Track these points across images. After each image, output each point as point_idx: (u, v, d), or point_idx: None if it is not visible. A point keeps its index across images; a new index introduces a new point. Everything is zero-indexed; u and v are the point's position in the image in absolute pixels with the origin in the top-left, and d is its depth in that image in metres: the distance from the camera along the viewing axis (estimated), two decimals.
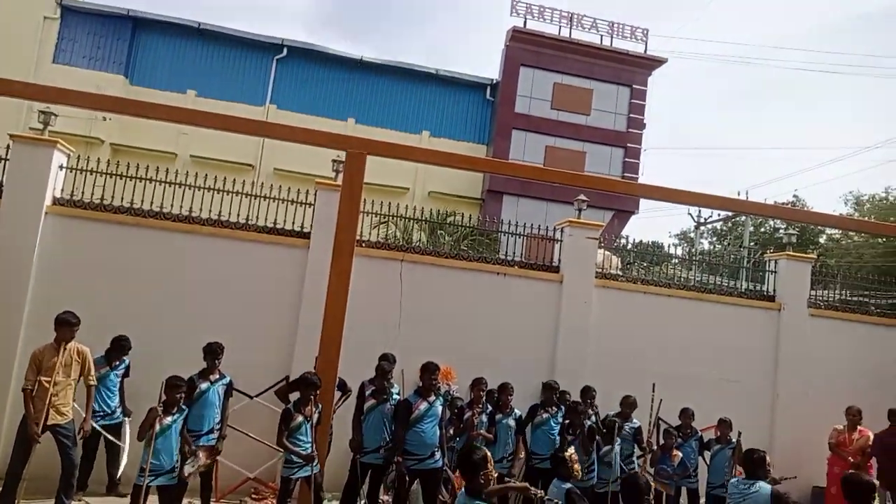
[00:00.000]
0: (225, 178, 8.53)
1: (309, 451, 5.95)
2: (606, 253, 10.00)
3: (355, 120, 20.50)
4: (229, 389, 6.88)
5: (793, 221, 15.98)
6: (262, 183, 8.81)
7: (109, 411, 6.97)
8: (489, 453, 4.22)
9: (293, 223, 8.39)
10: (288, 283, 8.07)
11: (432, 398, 6.59)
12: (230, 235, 8.08)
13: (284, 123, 9.52)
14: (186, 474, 5.92)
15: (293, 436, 5.97)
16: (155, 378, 5.91)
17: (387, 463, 6.63)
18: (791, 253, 10.00)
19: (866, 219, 24.43)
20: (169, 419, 5.71)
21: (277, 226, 8.33)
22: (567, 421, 7.49)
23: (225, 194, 8.38)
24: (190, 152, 18.87)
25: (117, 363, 7.07)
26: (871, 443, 8.16)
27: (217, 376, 6.74)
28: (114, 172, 8.19)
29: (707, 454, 8.00)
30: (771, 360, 9.41)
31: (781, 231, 20.92)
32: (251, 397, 7.56)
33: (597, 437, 7.32)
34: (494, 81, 22.07)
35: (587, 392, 7.96)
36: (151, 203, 8.11)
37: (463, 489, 4.18)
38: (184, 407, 5.98)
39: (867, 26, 77.87)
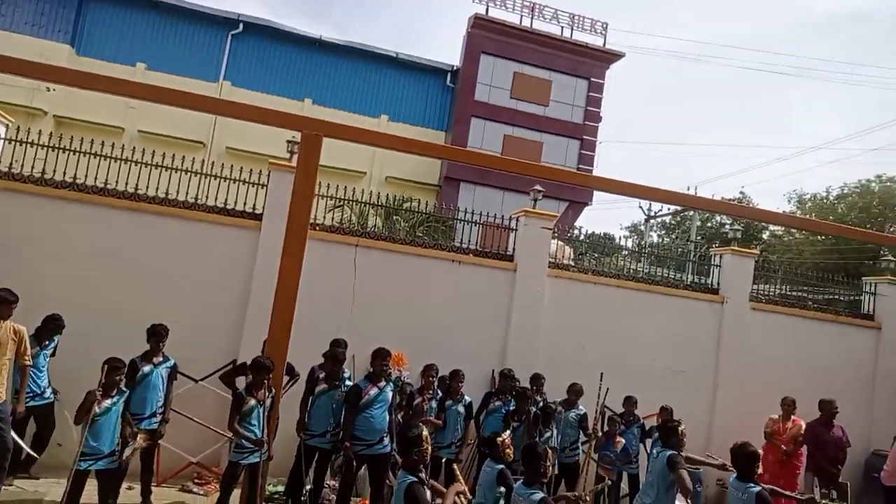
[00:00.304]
0: (174, 156, 8.26)
1: (260, 436, 5.87)
2: (560, 243, 10.12)
3: (312, 100, 20.18)
4: (173, 372, 6.72)
5: (739, 218, 16.50)
6: (213, 161, 8.55)
7: (39, 391, 6.71)
8: (426, 432, 4.37)
9: (245, 204, 8.20)
10: (237, 264, 7.90)
11: (382, 384, 6.59)
12: (177, 214, 7.83)
13: (238, 101, 9.26)
14: (125, 457, 5.77)
15: (245, 420, 5.87)
16: (97, 360, 5.71)
17: (333, 448, 6.61)
18: (735, 248, 10.33)
19: (808, 217, 25.43)
20: (108, 402, 5.54)
21: (228, 206, 8.12)
22: (513, 406, 7.60)
23: (174, 172, 8.11)
24: (138, 127, 18.27)
25: (47, 343, 6.81)
26: (803, 432, 8.53)
27: (161, 359, 6.57)
28: (57, 146, 7.82)
29: (649, 441, 8.23)
30: (713, 351, 9.72)
31: (727, 227, 21.60)
32: (196, 381, 7.40)
33: (540, 423, 7.48)
34: (455, 68, 22.02)
35: (536, 379, 8.09)
36: (96, 179, 7.79)
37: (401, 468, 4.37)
38: (124, 389, 5.81)
39: (813, 32, 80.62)
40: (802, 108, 77.94)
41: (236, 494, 6.00)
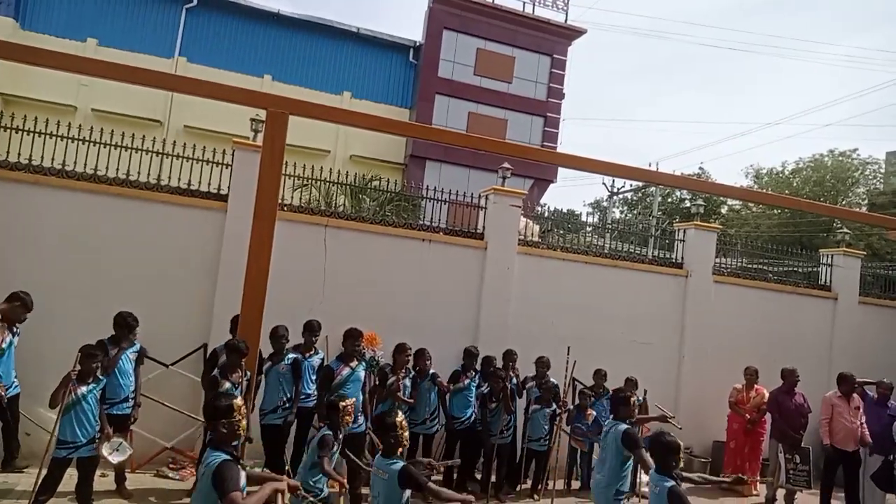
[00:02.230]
0: (130, 134, 7.94)
1: None
2: (527, 220, 10.19)
3: (272, 77, 19.67)
4: (140, 357, 6.58)
5: (699, 192, 16.82)
6: (172, 141, 8.27)
7: (8, 384, 6.50)
8: (404, 419, 4.36)
9: (208, 184, 7.98)
10: (204, 246, 7.71)
11: (354, 363, 6.62)
12: (140, 196, 7.58)
13: (197, 78, 8.93)
14: (106, 454, 5.65)
15: None
16: (60, 346, 5.56)
17: (286, 423, 6.64)
18: (699, 223, 10.55)
19: (765, 191, 26.11)
20: (84, 389, 5.40)
21: (192, 187, 7.90)
22: (487, 387, 7.70)
23: (133, 152, 7.84)
24: (91, 106, 17.56)
25: (16, 329, 6.57)
26: (766, 400, 8.84)
27: (127, 344, 6.42)
28: (8, 126, 7.46)
29: None
30: (678, 324, 9.96)
31: (688, 202, 22.04)
32: (167, 365, 7.27)
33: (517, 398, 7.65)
34: (418, 44, 21.72)
35: (509, 355, 8.19)
36: (52, 160, 7.48)
37: (379, 452, 4.34)
38: (101, 377, 5.67)
39: (771, 7, 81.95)
40: (758, 84, 79.62)
41: None
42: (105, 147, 7.70)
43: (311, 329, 6.97)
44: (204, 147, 8.13)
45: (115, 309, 6.41)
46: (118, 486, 6.43)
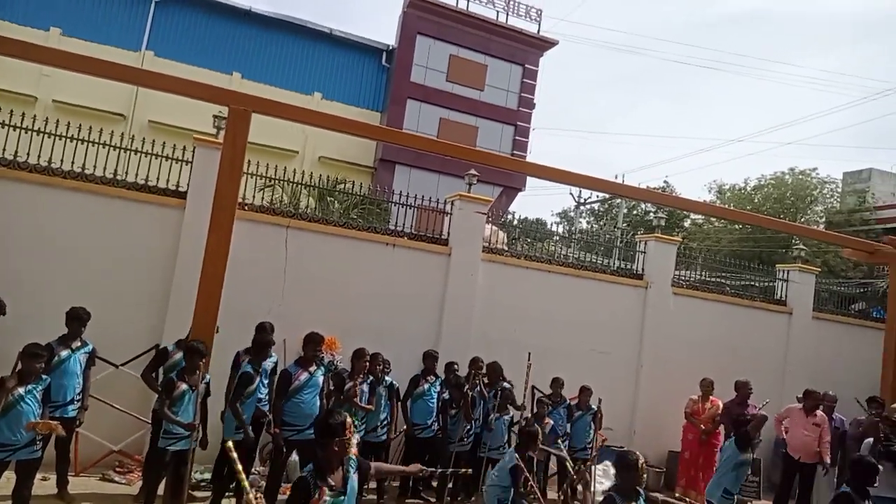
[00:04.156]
0: (90, 128, 7.75)
1: (191, 421, 5.67)
2: (494, 228, 10.21)
3: (242, 75, 19.41)
4: (91, 358, 6.39)
5: (663, 206, 17.06)
6: (134, 135, 8.10)
7: None
8: (350, 420, 3.67)
9: (167, 181, 7.81)
10: (160, 244, 7.53)
11: (313, 368, 6.49)
12: (95, 191, 7.38)
13: (161, 72, 8.74)
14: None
15: (175, 406, 5.67)
16: (7, 343, 5.35)
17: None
18: (659, 235, 10.71)
19: (727, 206, 26.65)
20: (21, 390, 5.17)
21: (149, 183, 7.72)
22: (449, 396, 7.67)
23: (91, 145, 7.63)
24: (53, 97, 17.08)
25: None
26: (720, 411, 8.99)
27: (79, 343, 6.22)
28: None
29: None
30: (637, 334, 10.08)
31: (652, 214, 22.35)
32: (117, 366, 7.06)
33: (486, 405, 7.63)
34: (391, 48, 21.70)
35: (474, 363, 8.15)
36: (4, 150, 7.23)
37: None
38: (44, 377, 5.46)
39: (737, 27, 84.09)
40: (723, 101, 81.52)
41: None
42: (60, 139, 7.48)
43: (264, 331, 6.81)
44: (164, 143, 7.95)
45: (65, 306, 6.21)
46: (60, 491, 6.22)
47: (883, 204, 27.74)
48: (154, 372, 6.43)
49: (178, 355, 6.30)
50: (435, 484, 7.85)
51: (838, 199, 29.90)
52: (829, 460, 8.24)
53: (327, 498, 3.25)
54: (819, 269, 12.93)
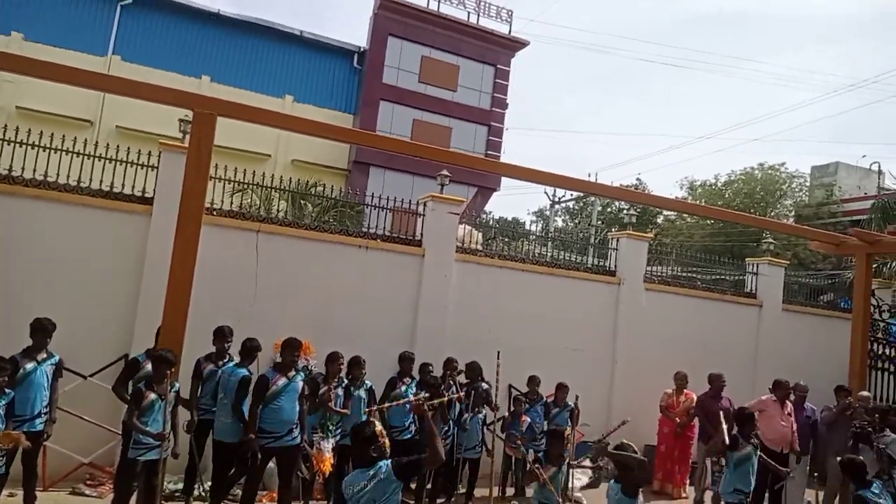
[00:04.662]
0: (52, 135, 7.57)
1: (161, 431, 5.58)
2: (469, 228, 10.22)
3: (211, 78, 19.22)
4: (58, 370, 6.22)
5: (635, 203, 17.24)
6: (102, 142, 7.95)
7: None
8: (380, 428, 4.00)
9: (133, 187, 7.67)
10: (127, 252, 7.40)
11: (292, 374, 6.38)
12: (57, 199, 7.22)
13: (128, 77, 8.59)
14: None
15: (144, 416, 5.57)
16: None
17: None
18: (631, 232, 10.81)
19: (698, 202, 27.05)
20: None
21: (115, 189, 7.58)
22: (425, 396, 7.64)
23: (53, 152, 7.47)
24: (16, 103, 16.74)
25: None
26: (694, 404, 9.09)
27: (45, 355, 6.05)
28: None
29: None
30: (611, 330, 10.16)
31: (625, 212, 22.56)
32: (85, 377, 6.92)
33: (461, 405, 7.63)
34: (362, 49, 21.64)
35: (449, 363, 8.16)
36: None
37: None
38: (8, 391, 5.32)
39: (706, 26, 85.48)
40: (692, 99, 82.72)
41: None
42: (21, 147, 7.31)
43: (223, 335, 6.74)
44: (128, 148, 7.81)
45: (30, 317, 6.06)
46: None
47: (849, 197, 28.37)
48: (125, 385, 6.29)
49: (149, 365, 6.19)
50: (413, 486, 7.82)
51: (807, 193, 30.52)
52: (798, 448, 8.38)
53: None
54: (788, 262, 13.18)
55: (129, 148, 7.85)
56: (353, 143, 17.66)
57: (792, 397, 8.83)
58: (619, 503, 4.61)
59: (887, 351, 11.73)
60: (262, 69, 20.34)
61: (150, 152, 7.87)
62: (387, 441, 3.98)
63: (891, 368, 11.62)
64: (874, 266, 11.49)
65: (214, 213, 7.78)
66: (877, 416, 7.70)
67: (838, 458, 5.87)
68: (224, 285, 7.57)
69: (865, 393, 8.93)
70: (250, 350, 6.67)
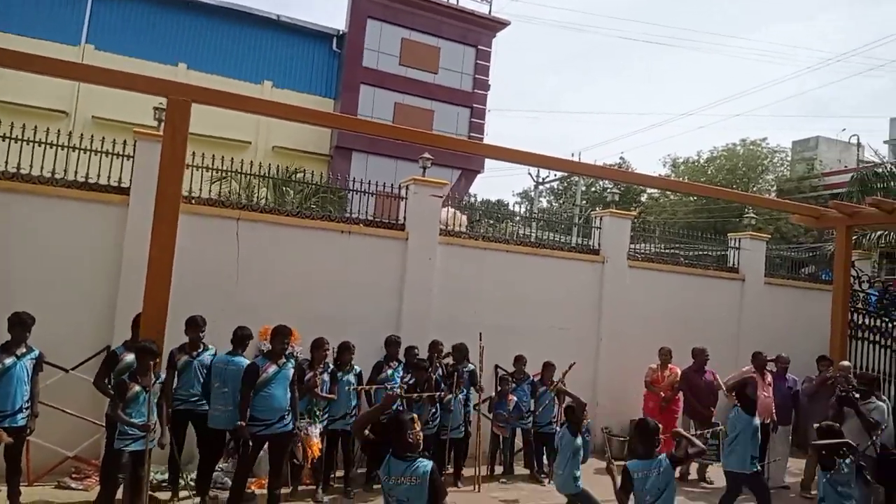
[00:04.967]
0: (24, 126, 7.42)
1: (146, 422, 5.55)
2: (454, 211, 10.20)
3: (187, 66, 18.89)
4: (39, 364, 6.18)
5: (619, 182, 17.30)
6: (76, 133, 7.78)
7: None
8: (416, 415, 4.17)
9: (109, 178, 7.54)
10: (105, 243, 7.29)
11: (282, 361, 6.38)
12: (32, 191, 7.07)
13: (101, 66, 8.37)
14: None
15: (129, 408, 5.56)
16: None
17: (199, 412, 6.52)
18: (614, 210, 10.85)
19: (681, 179, 27.18)
20: None
21: (90, 180, 7.45)
22: (412, 379, 7.67)
23: (26, 144, 7.33)
24: None
25: None
26: (678, 379, 9.19)
27: (24, 350, 5.99)
28: None
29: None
30: (595, 308, 10.21)
31: (608, 190, 22.62)
32: (67, 370, 6.86)
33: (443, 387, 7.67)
34: (341, 32, 21.36)
35: (434, 346, 8.20)
36: None
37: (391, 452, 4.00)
38: None
39: (685, 1, 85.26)
40: (675, 76, 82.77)
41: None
42: None
43: (196, 325, 6.67)
44: (103, 138, 7.67)
45: (7, 312, 5.99)
46: (12, 503, 6.02)
47: (830, 170, 28.63)
48: (106, 378, 6.24)
49: (129, 357, 6.14)
50: None
51: (788, 168, 30.77)
52: (776, 418, 8.57)
53: None
54: (770, 236, 13.31)
55: (103, 138, 7.71)
56: (335, 127, 17.52)
57: (774, 368, 9.01)
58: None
59: (867, 321, 11.90)
60: (239, 55, 20.02)
61: (125, 141, 7.74)
62: (420, 429, 4.08)
63: (870, 338, 11.80)
64: (854, 238, 11.59)
65: (193, 201, 7.69)
66: (863, 384, 7.85)
67: (815, 425, 5.95)
68: (205, 274, 7.50)
69: (846, 363, 9.06)
70: (242, 338, 6.68)
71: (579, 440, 6.20)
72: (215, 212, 7.87)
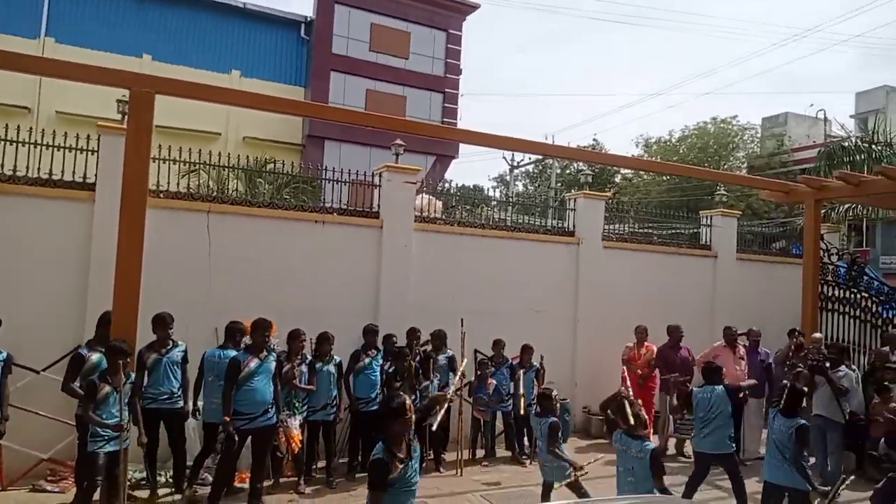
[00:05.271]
0: None
1: (119, 422, 5.47)
2: (429, 197, 10.16)
3: (152, 56, 18.47)
4: (8, 366, 6.07)
5: (593, 163, 17.40)
6: (39, 129, 7.54)
7: None
8: (409, 401, 4.00)
9: (73, 173, 7.35)
10: (71, 240, 7.13)
11: (264, 354, 6.35)
12: None
13: (63, 60, 8.10)
14: None
15: (100, 409, 5.45)
16: None
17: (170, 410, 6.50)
18: (588, 192, 10.90)
19: (654, 159, 27.38)
20: None
21: (55, 177, 7.27)
22: (392, 367, 7.67)
23: None
24: None
25: None
26: (655, 356, 9.32)
27: None
28: None
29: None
30: (572, 290, 10.28)
31: (582, 172, 22.73)
32: (38, 372, 6.72)
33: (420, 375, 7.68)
34: (309, 19, 21.07)
35: (412, 333, 8.18)
36: None
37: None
38: None
39: None
40: (646, 56, 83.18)
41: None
42: None
43: (164, 323, 6.57)
44: (65, 133, 7.47)
45: None
46: None
47: (799, 146, 29.07)
48: (74, 380, 6.11)
49: (95, 357, 6.04)
50: None
51: (758, 145, 31.17)
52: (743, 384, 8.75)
53: (400, 466, 3.76)
54: (741, 213, 13.49)
55: (65, 133, 7.50)
56: (305, 116, 17.31)
57: (746, 342, 9.18)
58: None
59: (837, 292, 12.15)
60: (205, 45, 19.65)
61: (88, 136, 7.55)
62: (413, 417, 3.96)
63: (840, 309, 12.07)
64: (823, 211, 11.79)
65: (161, 195, 7.55)
66: (833, 353, 8.06)
67: (783, 382, 6.14)
68: (176, 269, 7.40)
69: (818, 335, 9.27)
70: (233, 332, 6.69)
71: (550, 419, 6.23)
72: (185, 205, 7.74)
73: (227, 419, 6.09)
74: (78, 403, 5.77)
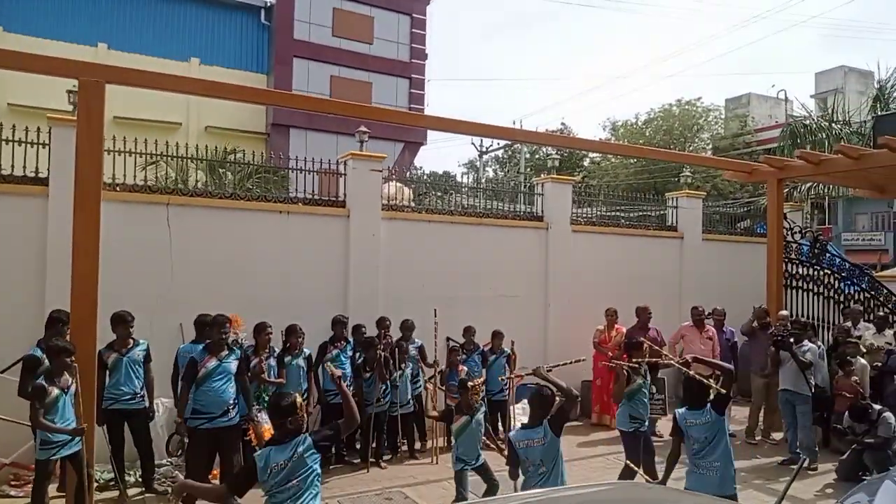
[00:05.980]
0: None
1: (73, 425, 5.28)
2: (398, 185, 10.05)
3: (108, 46, 17.92)
4: None
5: (561, 147, 17.43)
6: None
7: None
8: (300, 400, 3.93)
9: (24, 167, 7.05)
10: (27, 238, 6.84)
11: (224, 353, 6.11)
12: None
13: (5, 48, 7.74)
14: None
15: (50, 413, 5.21)
16: None
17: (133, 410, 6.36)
18: (555, 176, 10.90)
19: (621, 142, 27.58)
20: None
21: (4, 171, 6.98)
22: (361, 357, 7.60)
23: None
24: None
25: None
26: (624, 338, 9.39)
27: None
28: None
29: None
30: (542, 274, 10.30)
31: (549, 156, 22.80)
32: None
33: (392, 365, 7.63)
34: (269, 4, 20.64)
35: (381, 322, 8.11)
36: None
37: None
38: None
39: None
40: (611, 39, 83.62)
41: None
42: None
43: (125, 321, 6.38)
44: (13, 126, 7.16)
45: None
46: None
47: (762, 126, 29.56)
48: (30, 385, 5.89)
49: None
50: (358, 446, 7.85)
51: (722, 126, 31.59)
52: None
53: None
54: (706, 194, 13.67)
55: (13, 126, 7.18)
56: (268, 104, 16.98)
57: (711, 321, 9.32)
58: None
59: (801, 270, 12.42)
60: (162, 33, 19.12)
61: (38, 128, 7.25)
62: (304, 416, 3.90)
63: (804, 286, 12.34)
64: (785, 190, 12.00)
65: (118, 188, 7.31)
66: (797, 328, 8.24)
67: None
68: (137, 265, 7.19)
69: (784, 312, 9.45)
70: (202, 325, 6.53)
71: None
72: (143, 198, 7.50)
73: (180, 420, 5.97)
74: (29, 408, 5.54)
